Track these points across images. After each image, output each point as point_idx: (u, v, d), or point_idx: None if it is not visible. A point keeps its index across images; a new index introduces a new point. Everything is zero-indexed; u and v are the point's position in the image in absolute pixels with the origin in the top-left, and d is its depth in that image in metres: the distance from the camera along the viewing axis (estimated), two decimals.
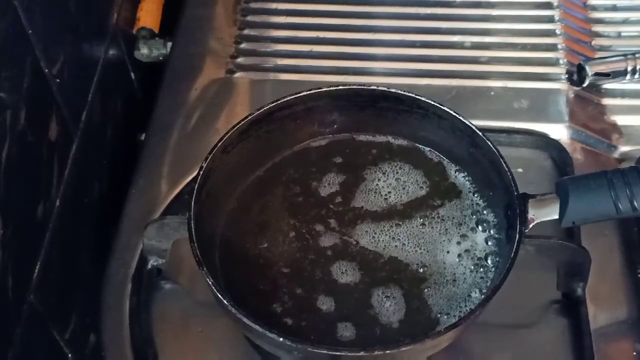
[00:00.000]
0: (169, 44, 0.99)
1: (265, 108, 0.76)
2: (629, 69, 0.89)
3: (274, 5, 1.03)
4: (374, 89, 0.79)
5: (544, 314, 0.77)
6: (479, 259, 0.74)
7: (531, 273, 0.74)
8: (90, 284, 0.79)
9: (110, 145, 0.91)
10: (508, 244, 0.70)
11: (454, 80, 0.93)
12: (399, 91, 0.78)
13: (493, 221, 0.75)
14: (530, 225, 0.70)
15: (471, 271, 0.73)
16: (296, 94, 0.77)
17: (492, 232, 0.75)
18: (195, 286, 0.78)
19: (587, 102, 0.92)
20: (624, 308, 0.77)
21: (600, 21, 1.00)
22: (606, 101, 0.92)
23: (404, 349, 0.64)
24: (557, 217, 0.70)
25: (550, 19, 1.00)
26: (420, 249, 0.75)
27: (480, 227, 0.75)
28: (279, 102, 0.77)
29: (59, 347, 0.77)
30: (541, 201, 0.70)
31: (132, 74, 0.99)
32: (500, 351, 0.75)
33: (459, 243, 0.75)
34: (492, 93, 0.92)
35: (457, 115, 0.76)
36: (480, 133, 0.74)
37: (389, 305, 0.71)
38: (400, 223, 0.76)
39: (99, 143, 0.88)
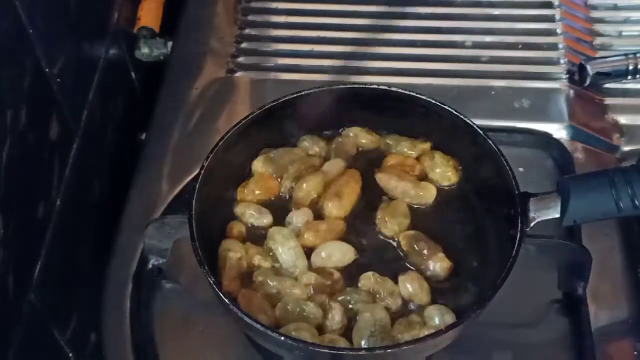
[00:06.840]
0: (170, 44, 0.99)
1: (266, 107, 0.77)
2: (630, 68, 0.89)
3: (274, 5, 1.03)
4: (375, 88, 0.79)
5: (545, 313, 0.77)
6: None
7: (532, 272, 0.74)
8: (91, 283, 0.79)
9: (111, 145, 0.91)
10: (509, 243, 0.70)
11: (455, 79, 0.93)
12: (400, 90, 0.78)
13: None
14: (532, 224, 0.70)
15: None
16: (296, 93, 0.77)
17: None
18: (196, 285, 0.78)
19: (588, 102, 0.92)
20: (624, 307, 0.77)
21: (601, 20, 1.00)
22: (607, 100, 0.92)
23: (404, 348, 0.65)
24: (558, 216, 0.70)
25: (551, 19, 1.00)
26: None
27: None
28: (280, 101, 0.77)
29: (60, 346, 0.77)
30: (542, 200, 0.70)
31: (133, 74, 0.99)
32: (500, 351, 0.75)
33: None
34: (493, 92, 0.92)
35: (459, 114, 0.76)
36: (481, 132, 0.74)
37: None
38: None
39: (100, 142, 0.88)
